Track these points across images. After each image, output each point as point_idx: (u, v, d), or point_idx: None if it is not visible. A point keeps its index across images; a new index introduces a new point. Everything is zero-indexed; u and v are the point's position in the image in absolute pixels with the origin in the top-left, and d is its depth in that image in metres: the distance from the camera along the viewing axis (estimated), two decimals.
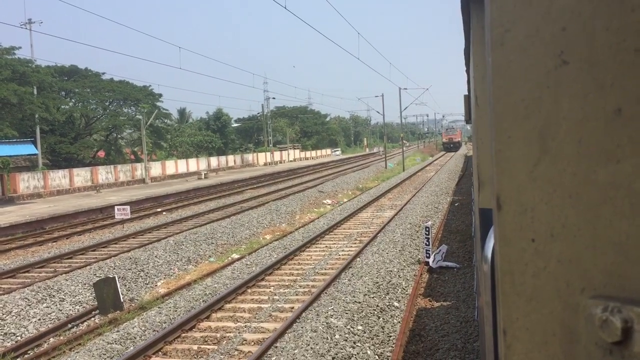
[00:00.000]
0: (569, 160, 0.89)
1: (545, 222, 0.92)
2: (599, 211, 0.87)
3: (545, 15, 0.90)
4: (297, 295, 11.71)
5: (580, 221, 0.88)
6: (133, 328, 9.90)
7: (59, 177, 40.37)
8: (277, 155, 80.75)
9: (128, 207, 22.09)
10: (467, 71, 7.18)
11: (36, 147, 40.13)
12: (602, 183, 0.86)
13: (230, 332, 9.66)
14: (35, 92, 45.40)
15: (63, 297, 12.29)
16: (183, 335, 9.61)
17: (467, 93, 7.27)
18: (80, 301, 12.27)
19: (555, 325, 0.91)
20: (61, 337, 10.37)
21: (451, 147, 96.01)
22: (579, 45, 0.87)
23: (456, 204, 24.78)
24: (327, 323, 9.23)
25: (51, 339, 10.32)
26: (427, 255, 13.58)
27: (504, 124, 0.96)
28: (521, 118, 0.94)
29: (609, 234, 0.86)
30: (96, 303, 11.79)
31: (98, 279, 12.52)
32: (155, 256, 15.86)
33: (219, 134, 79.89)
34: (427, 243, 13.66)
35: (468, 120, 6.39)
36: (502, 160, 0.97)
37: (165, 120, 67.80)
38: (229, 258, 16.33)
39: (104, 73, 58.71)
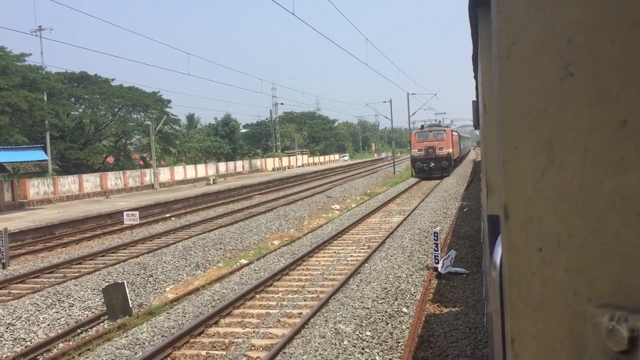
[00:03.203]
0: (576, 171, 0.90)
1: (552, 232, 0.93)
2: (605, 221, 0.87)
3: (551, 27, 0.91)
4: (305, 300, 11.71)
5: (587, 231, 0.89)
6: (142, 333, 9.93)
7: (68, 183, 40.61)
8: (285, 160, 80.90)
9: (137, 213, 22.18)
10: (475, 77, 7.18)
11: (46, 153, 40.43)
12: (609, 193, 0.87)
13: (238, 338, 9.66)
14: (45, 98, 45.76)
15: (72, 302, 12.34)
16: (191, 340, 9.63)
17: (475, 99, 7.27)
18: (89, 306, 12.32)
19: (562, 334, 0.92)
20: (70, 343, 10.40)
21: (432, 167, 43.91)
22: (585, 58, 0.88)
23: (465, 210, 24.71)
24: (335, 329, 9.22)
25: (60, 344, 10.36)
26: (436, 260, 13.55)
27: (510, 134, 0.98)
28: (528, 129, 0.95)
29: (616, 244, 0.86)
30: (105, 308, 11.83)
31: (107, 284, 12.56)
32: (164, 262, 15.90)
33: (228, 140, 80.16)
34: (436, 248, 13.62)
35: (476, 125, 6.39)
36: (509, 170, 0.98)
37: (174, 126, 68.14)
38: (238, 263, 16.35)
39: (113, 79, 59.15)
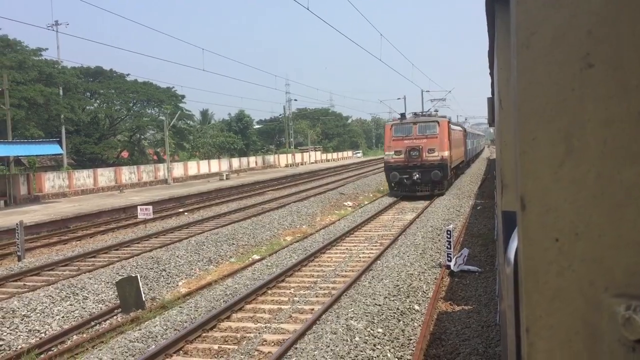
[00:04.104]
0: (594, 162, 0.91)
1: (569, 222, 0.93)
2: (623, 212, 0.88)
3: (571, 18, 0.91)
4: (317, 296, 11.73)
5: (604, 221, 0.89)
6: (154, 327, 10.00)
7: (83, 177, 40.93)
8: (298, 156, 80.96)
9: (150, 207, 22.32)
10: (491, 73, 7.14)
11: (61, 147, 40.79)
12: (627, 184, 0.87)
13: (250, 333, 9.70)
14: (61, 92, 46.18)
15: (86, 295, 12.45)
16: (204, 334, 9.68)
17: (490, 95, 7.24)
18: (103, 299, 12.42)
19: (578, 323, 0.92)
20: (84, 335, 10.50)
21: (415, 181, 28.40)
22: (604, 48, 0.88)
23: (478, 207, 24.60)
24: (347, 325, 9.24)
25: (74, 337, 10.46)
26: (449, 258, 13.52)
27: (529, 125, 0.98)
28: (546, 120, 0.95)
29: (633, 234, 0.87)
30: (119, 302, 11.93)
31: (121, 277, 12.66)
32: (177, 256, 15.99)
33: (241, 136, 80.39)
34: (449, 246, 13.59)
35: (491, 122, 6.36)
36: (527, 161, 0.98)
37: (188, 122, 68.52)
38: (250, 259, 16.40)
39: (128, 74, 59.60)
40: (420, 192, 28.18)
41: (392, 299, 10.94)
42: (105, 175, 43.07)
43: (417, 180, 28.07)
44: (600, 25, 0.89)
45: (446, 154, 28.44)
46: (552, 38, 0.93)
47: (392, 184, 29.34)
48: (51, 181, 37.78)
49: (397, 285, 11.78)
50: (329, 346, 8.36)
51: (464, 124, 57.79)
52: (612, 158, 0.88)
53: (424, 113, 31.95)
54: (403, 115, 29.58)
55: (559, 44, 0.93)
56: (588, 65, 0.90)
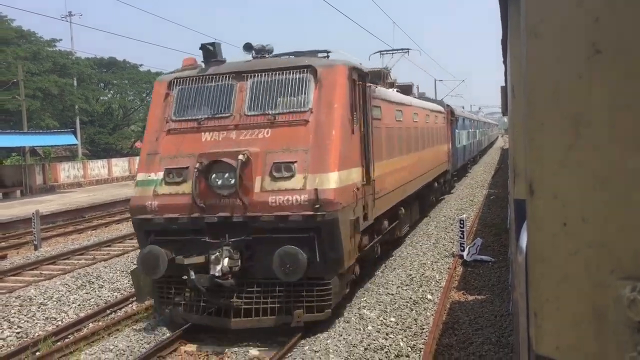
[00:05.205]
0: (601, 148, 0.92)
1: (576, 207, 0.94)
2: (629, 197, 0.89)
3: (579, 5, 0.92)
4: None
5: (611, 206, 0.91)
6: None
7: (97, 167, 41.26)
8: None
9: None
10: (504, 62, 7.11)
11: (76, 137, 41.12)
12: (633, 170, 0.88)
13: None
14: (75, 83, 46.46)
15: (102, 283, 12.58)
16: None
17: (504, 84, 7.21)
18: (118, 288, 12.54)
19: (584, 305, 0.93)
20: (100, 323, 10.62)
21: (216, 276, 7.88)
22: (612, 35, 0.89)
23: (492, 197, 24.48)
24: (359, 314, 9.26)
25: (90, 324, 10.59)
26: (462, 248, 13.50)
27: (537, 112, 0.99)
28: (554, 106, 0.97)
29: (639, 219, 0.88)
30: (133, 290, 12.02)
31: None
32: None
33: None
34: (462, 236, 13.56)
35: (505, 111, 6.34)
36: (535, 147, 0.99)
37: None
38: None
39: (141, 65, 59.97)
40: (239, 317, 8.65)
41: (405, 288, 10.95)
42: (119, 165, 43.37)
43: (222, 280, 8.39)
44: (607, 12, 0.89)
45: (338, 178, 8.47)
46: (561, 25, 0.94)
47: (155, 289, 9.60)
48: (66, 171, 38.11)
49: (410, 275, 11.79)
50: (341, 335, 8.38)
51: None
52: (619, 145, 0.90)
53: (285, 55, 10.46)
54: (209, 52, 9.91)
55: (567, 31, 0.94)
56: (596, 52, 0.91)
